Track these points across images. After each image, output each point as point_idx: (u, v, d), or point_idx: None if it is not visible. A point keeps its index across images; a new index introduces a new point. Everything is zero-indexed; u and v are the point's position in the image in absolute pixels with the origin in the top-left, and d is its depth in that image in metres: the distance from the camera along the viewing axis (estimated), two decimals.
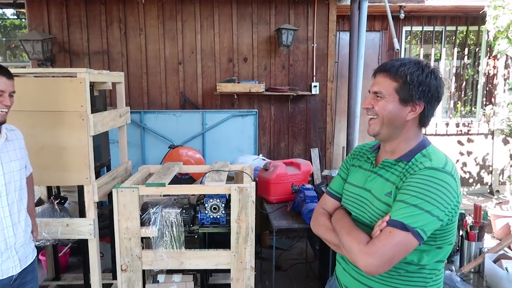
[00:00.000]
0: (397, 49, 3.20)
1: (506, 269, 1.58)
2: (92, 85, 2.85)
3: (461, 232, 1.77)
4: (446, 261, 1.27)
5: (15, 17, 5.07)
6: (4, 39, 5.61)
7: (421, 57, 5.63)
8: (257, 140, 4.16)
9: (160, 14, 4.15)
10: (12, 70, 2.54)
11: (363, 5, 3.57)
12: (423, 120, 1.24)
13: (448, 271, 1.65)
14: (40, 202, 3.13)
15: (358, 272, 1.27)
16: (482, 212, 1.74)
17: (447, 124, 5.73)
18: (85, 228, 2.52)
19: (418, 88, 1.18)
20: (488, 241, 3.44)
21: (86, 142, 2.41)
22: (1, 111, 1.62)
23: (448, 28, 5.65)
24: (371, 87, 1.26)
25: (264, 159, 3.81)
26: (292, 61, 4.26)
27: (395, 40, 3.18)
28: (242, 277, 2.60)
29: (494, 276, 1.59)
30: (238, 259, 2.58)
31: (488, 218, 4.22)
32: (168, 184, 2.75)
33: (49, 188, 3.13)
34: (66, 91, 2.36)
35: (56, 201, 2.77)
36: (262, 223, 3.62)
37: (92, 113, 2.51)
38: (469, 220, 1.84)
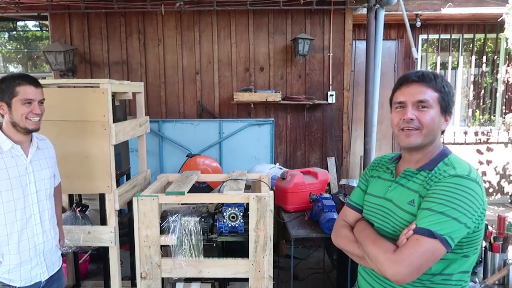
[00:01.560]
0: (416, 58, 3.19)
1: None
2: (113, 95, 2.92)
3: (484, 243, 1.74)
4: (471, 273, 1.25)
5: (38, 28, 5.22)
6: (26, 50, 5.77)
7: (438, 65, 5.59)
8: (273, 149, 4.17)
9: (178, 25, 4.23)
10: (44, 82, 2.63)
11: (380, 13, 3.57)
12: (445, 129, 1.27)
13: (472, 283, 1.63)
14: (62, 210, 3.20)
15: (381, 284, 1.26)
16: (507, 223, 1.71)
17: (465, 133, 5.65)
18: (106, 235, 2.56)
19: (452, 99, 1.23)
20: None
21: (108, 151, 2.47)
22: (33, 119, 1.67)
23: (466, 36, 5.60)
24: (406, 97, 1.22)
25: (280, 168, 3.82)
26: (308, 70, 4.28)
27: (414, 49, 3.17)
28: (260, 286, 2.60)
29: None
30: (256, 268, 2.58)
31: None
32: (187, 192, 2.79)
33: (70, 196, 3.19)
34: (89, 101, 2.42)
35: (78, 209, 2.83)
36: (279, 232, 3.62)
37: (113, 122, 2.57)
38: (492, 230, 1.82)
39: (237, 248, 2.90)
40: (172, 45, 4.26)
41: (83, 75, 4.28)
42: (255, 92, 4.07)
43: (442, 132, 1.28)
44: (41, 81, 2.69)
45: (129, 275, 3.29)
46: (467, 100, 5.70)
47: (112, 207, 2.55)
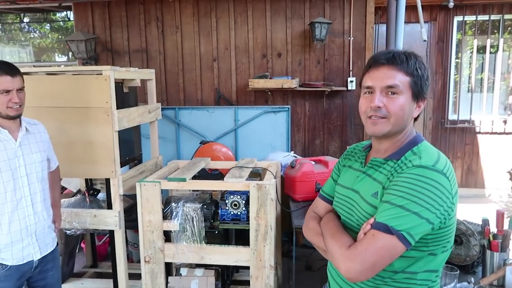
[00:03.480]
0: (424, 40, 2.97)
1: None
2: (121, 82, 2.96)
3: (483, 242, 1.60)
4: (440, 272, 1.14)
5: (62, 19, 5.42)
6: (55, 40, 5.99)
7: (475, 49, 5.21)
8: (289, 137, 4.09)
9: (195, 12, 4.21)
10: (47, 69, 2.69)
11: None
12: (418, 115, 1.16)
13: (465, 283, 1.50)
14: (79, 194, 3.32)
15: (343, 280, 1.18)
16: (508, 220, 1.55)
17: (505, 122, 5.26)
18: (111, 219, 2.63)
19: (425, 83, 1.11)
20: None
21: (111, 137, 2.50)
22: (14, 107, 1.72)
23: (507, 16, 5.16)
24: (374, 82, 1.10)
25: (295, 157, 3.74)
26: (327, 55, 4.14)
27: (423, 30, 2.94)
28: (261, 275, 2.57)
29: None
30: (257, 257, 2.55)
31: None
32: (197, 179, 2.79)
33: (86, 181, 3.31)
34: (93, 88, 2.46)
35: (88, 193, 2.92)
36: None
37: (121, 108, 2.61)
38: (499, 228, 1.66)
39: (243, 236, 2.89)
40: (189, 32, 4.26)
41: (105, 63, 4.39)
42: (270, 78, 3.99)
43: (416, 119, 1.17)
44: (52, 69, 2.78)
45: None
46: (508, 87, 5.28)
47: (117, 192, 2.61)
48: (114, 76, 2.51)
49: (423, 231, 1.00)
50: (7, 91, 1.69)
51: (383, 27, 4.81)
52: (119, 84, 2.91)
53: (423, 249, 1.06)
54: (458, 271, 1.45)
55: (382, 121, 1.10)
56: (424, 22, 5.28)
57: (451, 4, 4.59)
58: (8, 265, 1.78)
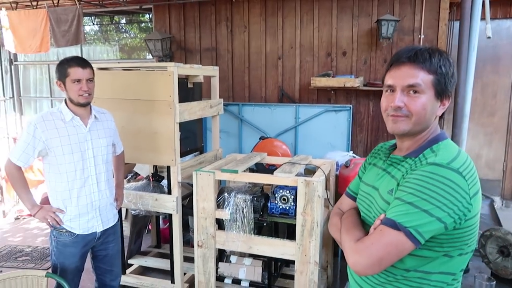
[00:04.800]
0: (488, 37, 2.71)
1: None
2: (186, 78, 3.18)
3: None
4: (459, 276, 1.10)
5: (149, 20, 5.89)
6: (142, 39, 6.53)
7: None
8: (350, 137, 4.02)
9: (263, 11, 4.34)
10: (124, 65, 3.00)
11: None
12: (443, 113, 1.12)
13: None
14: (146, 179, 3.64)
15: (361, 278, 1.19)
16: None
17: None
18: (169, 204, 2.86)
19: (450, 80, 1.07)
20: None
21: (172, 128, 2.72)
22: (84, 95, 1.99)
23: None
24: (396, 80, 1.09)
25: (354, 156, 3.68)
26: None
27: (488, 26, 2.69)
28: (305, 271, 2.61)
29: None
30: (303, 252, 2.59)
31: None
32: (251, 172, 2.89)
33: (156, 167, 3.60)
34: (159, 82, 2.70)
35: (153, 179, 3.19)
36: None
37: (185, 102, 2.82)
38: None
39: (292, 230, 2.94)
40: (256, 32, 4.39)
41: (179, 60, 4.71)
42: (333, 77, 3.96)
43: (441, 117, 1.13)
44: (128, 64, 3.07)
45: None
46: None
47: (175, 178, 2.82)
48: (178, 72, 2.72)
49: (433, 230, 0.98)
50: (78, 80, 1.96)
51: (457, 24, 4.49)
52: (184, 80, 3.14)
53: (437, 249, 1.03)
54: (495, 282, 1.36)
55: (403, 119, 1.09)
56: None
57: None
58: (75, 233, 2.06)
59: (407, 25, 3.89)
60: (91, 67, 2.04)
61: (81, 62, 1.99)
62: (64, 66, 1.97)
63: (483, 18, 3.21)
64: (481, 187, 1.08)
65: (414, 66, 1.06)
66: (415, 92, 1.06)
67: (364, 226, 1.19)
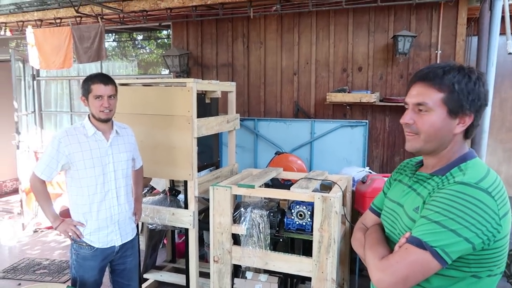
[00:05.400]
0: (510, 53, 2.68)
1: None
2: (204, 93, 3.23)
3: None
4: None
5: (166, 37, 6.02)
6: (159, 55, 6.67)
7: None
8: (366, 152, 4.00)
9: (279, 28, 4.39)
10: (143, 81, 3.05)
11: (497, 4, 3.10)
12: (470, 131, 1.12)
13: None
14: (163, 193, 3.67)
15: None
16: None
17: None
18: (186, 218, 2.87)
19: (467, 97, 1.07)
20: None
21: (190, 143, 2.75)
22: (105, 111, 2.03)
23: None
24: (408, 99, 1.14)
25: (370, 172, 3.65)
26: (411, 69, 3.97)
27: (509, 42, 2.66)
28: None
29: None
30: (320, 269, 2.56)
31: None
32: (268, 187, 2.89)
33: (172, 182, 3.63)
34: (177, 98, 2.75)
35: (170, 193, 3.22)
36: None
37: (202, 117, 2.86)
38: None
39: (309, 247, 2.92)
40: (272, 47, 4.45)
41: (196, 76, 4.79)
42: (349, 92, 3.97)
43: (467, 135, 1.12)
44: (145, 81, 3.14)
45: None
46: None
47: (192, 193, 2.84)
48: (197, 88, 2.76)
49: (461, 250, 0.97)
50: (100, 97, 2.01)
51: (475, 40, 4.47)
52: (201, 95, 3.19)
53: (464, 270, 1.02)
54: None
55: (413, 137, 1.12)
56: None
57: None
58: (95, 247, 2.08)
59: (423, 41, 3.89)
60: (114, 84, 2.09)
61: (104, 78, 2.04)
62: (88, 82, 2.03)
63: (501, 33, 3.19)
64: None
65: (424, 84, 1.10)
66: (425, 110, 1.09)
67: (389, 243, 1.19)
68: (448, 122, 1.08)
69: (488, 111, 3.37)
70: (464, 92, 1.06)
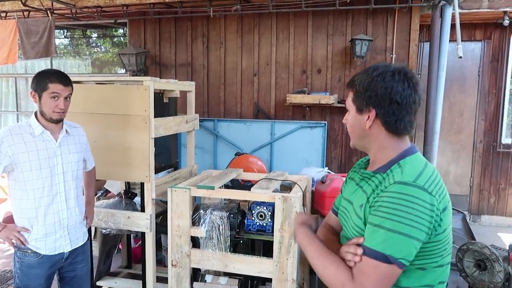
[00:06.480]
0: (460, 57, 2.84)
1: None
2: (162, 92, 3.13)
3: (509, 268, 1.49)
4: None
5: (122, 35, 5.83)
6: (115, 54, 6.45)
7: None
8: (325, 153, 4.06)
9: (239, 28, 4.37)
10: (97, 79, 2.91)
11: (446, 12, 3.26)
12: (390, 126, 1.13)
13: None
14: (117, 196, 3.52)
15: None
16: None
17: None
18: (143, 221, 2.75)
19: (364, 94, 1.13)
20: None
21: (147, 143, 2.65)
22: (58, 112, 1.90)
23: None
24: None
25: (329, 172, 3.70)
26: None
27: (459, 46, 2.82)
28: None
29: None
30: (280, 270, 2.55)
31: None
32: (227, 188, 2.84)
33: (128, 184, 3.49)
34: (134, 97, 2.63)
35: (125, 196, 3.08)
36: None
37: (160, 117, 2.76)
38: None
39: (270, 248, 2.90)
40: (232, 48, 4.41)
41: (153, 75, 4.65)
42: (308, 94, 4.01)
43: (394, 132, 1.13)
44: (99, 78, 3.00)
45: None
46: None
47: (149, 195, 2.74)
48: (154, 86, 2.67)
49: (416, 250, 1.02)
50: (56, 97, 1.87)
51: (428, 45, 4.68)
52: (159, 95, 3.09)
53: (409, 264, 1.05)
54: None
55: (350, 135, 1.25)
56: (478, 40, 5.08)
57: (506, 22, 4.36)
58: (41, 254, 1.94)
59: (379, 45, 4.02)
60: (72, 85, 1.96)
61: (63, 79, 1.90)
62: (44, 78, 1.88)
63: (451, 40, 3.35)
64: (451, 202, 1.12)
65: (348, 88, 1.22)
66: (348, 111, 1.22)
67: (344, 241, 1.21)
68: (358, 119, 1.17)
69: (438, 114, 3.53)
70: (361, 90, 1.13)
